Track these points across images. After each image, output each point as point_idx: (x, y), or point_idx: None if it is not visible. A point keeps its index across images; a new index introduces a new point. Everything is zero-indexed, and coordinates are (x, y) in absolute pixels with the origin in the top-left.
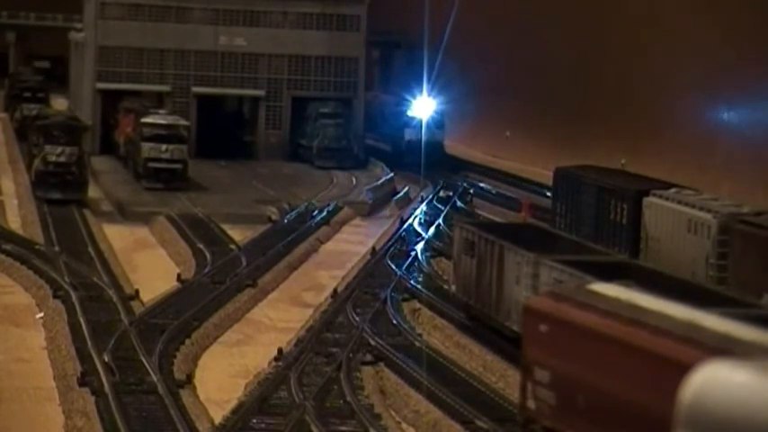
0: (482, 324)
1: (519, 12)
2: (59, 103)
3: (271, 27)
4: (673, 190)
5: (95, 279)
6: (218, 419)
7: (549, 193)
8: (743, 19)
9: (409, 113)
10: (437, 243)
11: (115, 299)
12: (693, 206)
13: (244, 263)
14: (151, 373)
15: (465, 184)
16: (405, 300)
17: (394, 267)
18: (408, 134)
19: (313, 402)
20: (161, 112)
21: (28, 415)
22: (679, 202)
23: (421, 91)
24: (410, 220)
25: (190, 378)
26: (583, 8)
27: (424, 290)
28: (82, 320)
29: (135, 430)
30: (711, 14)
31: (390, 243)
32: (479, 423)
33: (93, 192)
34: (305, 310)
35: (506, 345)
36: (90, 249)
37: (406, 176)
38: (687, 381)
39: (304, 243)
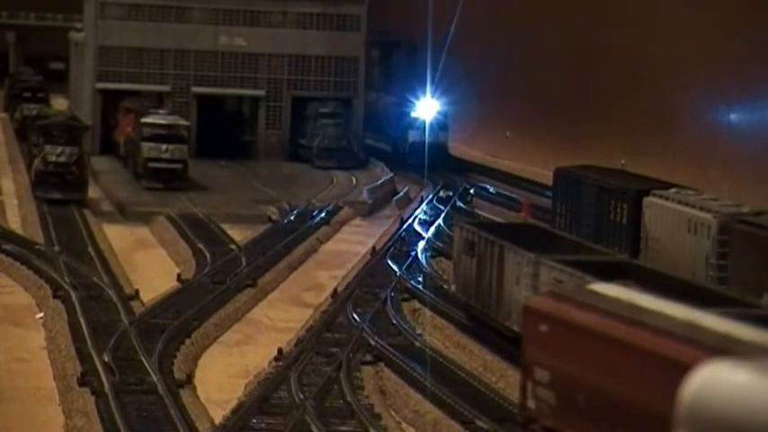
0: (482, 324)
1: (519, 12)
2: (59, 103)
3: (271, 27)
4: (673, 190)
5: (95, 279)
6: (218, 419)
7: (549, 193)
8: (744, 18)
9: (413, 115)
10: (437, 243)
11: (115, 299)
12: (693, 206)
13: (244, 263)
14: (151, 373)
15: (465, 185)
16: (405, 300)
17: (394, 267)
18: (412, 136)
19: (313, 402)
20: (161, 112)
21: (28, 415)
22: (679, 202)
23: (423, 91)
24: (410, 221)
25: (190, 378)
26: (583, 8)
27: (424, 290)
28: (82, 320)
29: (135, 430)
30: (712, 14)
31: (390, 243)
32: (479, 423)
33: (93, 192)
34: (305, 310)
35: (506, 345)
36: (90, 249)
37: (407, 177)
38: (687, 381)
39: (304, 243)
